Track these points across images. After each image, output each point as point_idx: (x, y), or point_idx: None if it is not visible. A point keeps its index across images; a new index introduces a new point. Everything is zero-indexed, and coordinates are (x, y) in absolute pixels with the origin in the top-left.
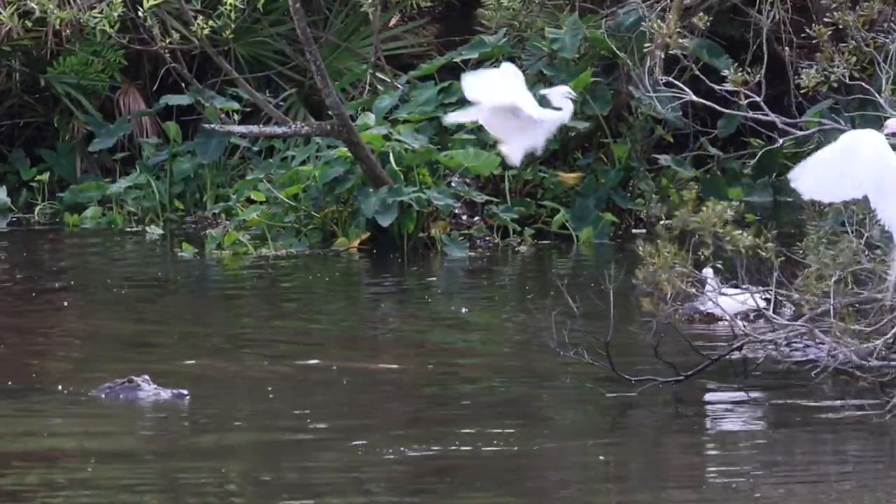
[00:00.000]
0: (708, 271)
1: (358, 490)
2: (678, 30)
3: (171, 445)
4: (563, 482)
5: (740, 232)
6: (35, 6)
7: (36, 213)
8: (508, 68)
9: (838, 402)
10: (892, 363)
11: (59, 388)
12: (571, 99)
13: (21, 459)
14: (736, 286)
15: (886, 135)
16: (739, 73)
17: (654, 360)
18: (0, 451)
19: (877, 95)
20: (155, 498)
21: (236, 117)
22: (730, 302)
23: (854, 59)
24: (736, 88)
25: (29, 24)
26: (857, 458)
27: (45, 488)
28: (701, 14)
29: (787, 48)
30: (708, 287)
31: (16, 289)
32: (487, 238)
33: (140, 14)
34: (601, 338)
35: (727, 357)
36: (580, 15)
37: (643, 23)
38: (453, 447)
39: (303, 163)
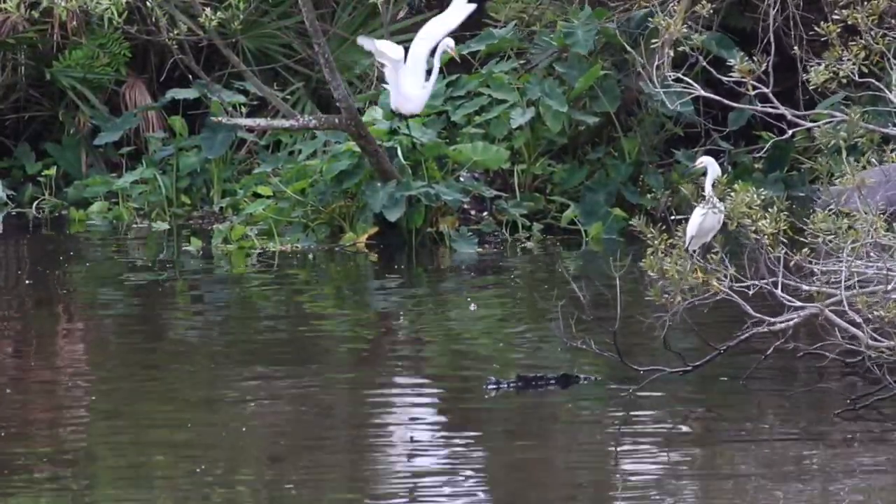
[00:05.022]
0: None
1: (360, 485)
2: (687, 24)
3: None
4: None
5: (766, 220)
6: None
7: (45, 208)
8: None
9: (846, 393)
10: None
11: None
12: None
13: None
14: None
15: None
16: (746, 62)
17: (662, 350)
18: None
19: (887, 92)
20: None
21: (243, 111)
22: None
23: (863, 55)
24: (743, 79)
25: (36, 14)
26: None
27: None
28: (704, 2)
29: (793, 42)
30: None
31: (18, 290)
32: (496, 233)
33: (148, 3)
34: (609, 327)
35: (736, 347)
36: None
37: (651, 18)
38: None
39: (311, 157)
